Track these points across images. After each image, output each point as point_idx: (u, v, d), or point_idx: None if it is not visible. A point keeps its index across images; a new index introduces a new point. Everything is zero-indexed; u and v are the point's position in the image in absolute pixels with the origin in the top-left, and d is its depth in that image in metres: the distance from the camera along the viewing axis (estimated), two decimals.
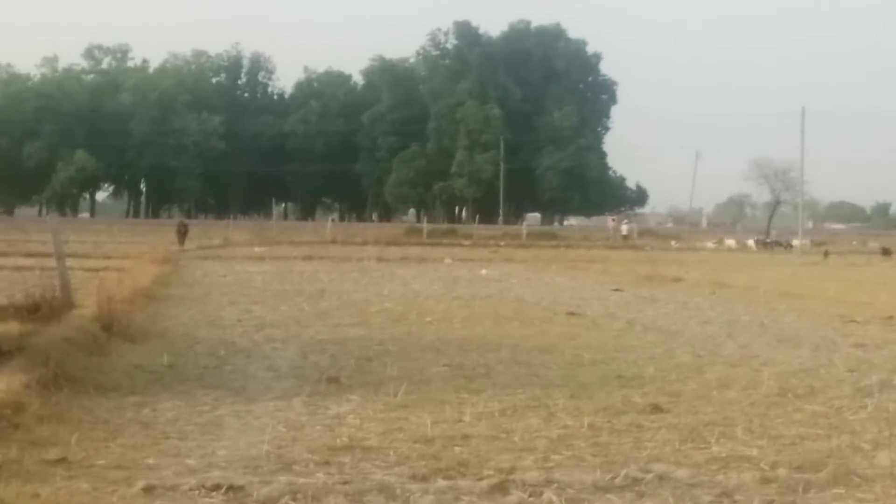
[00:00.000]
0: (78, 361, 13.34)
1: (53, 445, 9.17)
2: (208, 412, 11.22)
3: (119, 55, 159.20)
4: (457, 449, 9.53)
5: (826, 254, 67.30)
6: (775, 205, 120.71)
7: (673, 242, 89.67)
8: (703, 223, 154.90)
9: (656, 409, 11.54)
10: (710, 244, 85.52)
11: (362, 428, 10.46)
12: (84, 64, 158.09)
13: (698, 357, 16.22)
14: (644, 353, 16.62)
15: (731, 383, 13.44)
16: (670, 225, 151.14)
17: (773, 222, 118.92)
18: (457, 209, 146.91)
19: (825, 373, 14.65)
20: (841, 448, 9.77)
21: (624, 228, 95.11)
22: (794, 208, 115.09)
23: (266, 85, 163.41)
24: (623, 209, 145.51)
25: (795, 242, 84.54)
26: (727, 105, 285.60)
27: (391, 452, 9.36)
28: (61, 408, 10.75)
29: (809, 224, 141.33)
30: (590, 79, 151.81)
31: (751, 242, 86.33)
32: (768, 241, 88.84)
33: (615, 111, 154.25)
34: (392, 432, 10.24)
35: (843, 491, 8.28)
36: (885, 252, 65.31)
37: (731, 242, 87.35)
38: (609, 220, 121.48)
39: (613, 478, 8.45)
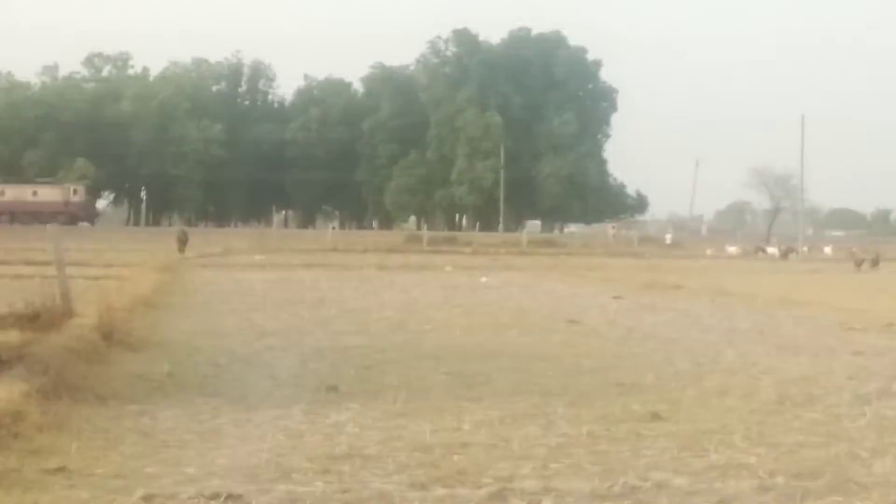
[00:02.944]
0: (78, 370, 13.35)
1: (53, 454, 9.19)
2: (208, 421, 11.23)
3: (119, 63, 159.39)
4: (456, 457, 9.55)
5: (786, 255, 67.81)
6: (775, 212, 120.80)
7: (668, 236, 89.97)
8: (703, 230, 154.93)
9: (655, 416, 11.55)
10: (708, 252, 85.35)
11: (361, 436, 10.47)
12: (84, 72, 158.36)
13: (698, 365, 16.23)
14: (644, 360, 16.62)
15: (730, 391, 13.45)
16: (670, 232, 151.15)
17: (773, 229, 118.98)
18: (457, 217, 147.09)
19: (824, 380, 14.66)
20: (839, 456, 9.78)
21: (668, 238, 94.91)
22: (794, 215, 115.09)
23: (266, 93, 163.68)
24: (623, 216, 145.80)
25: (770, 249, 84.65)
26: (727, 113, 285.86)
27: (390, 461, 9.38)
28: (61, 417, 10.77)
29: (810, 231, 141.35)
30: (590, 86, 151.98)
31: (772, 250, 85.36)
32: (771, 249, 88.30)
33: (615, 118, 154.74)
34: (391, 440, 10.25)
35: (841, 499, 8.30)
36: (858, 263, 61.22)
37: (732, 250, 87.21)
38: (609, 228, 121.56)
39: (612, 486, 8.47)
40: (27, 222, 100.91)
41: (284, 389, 13.42)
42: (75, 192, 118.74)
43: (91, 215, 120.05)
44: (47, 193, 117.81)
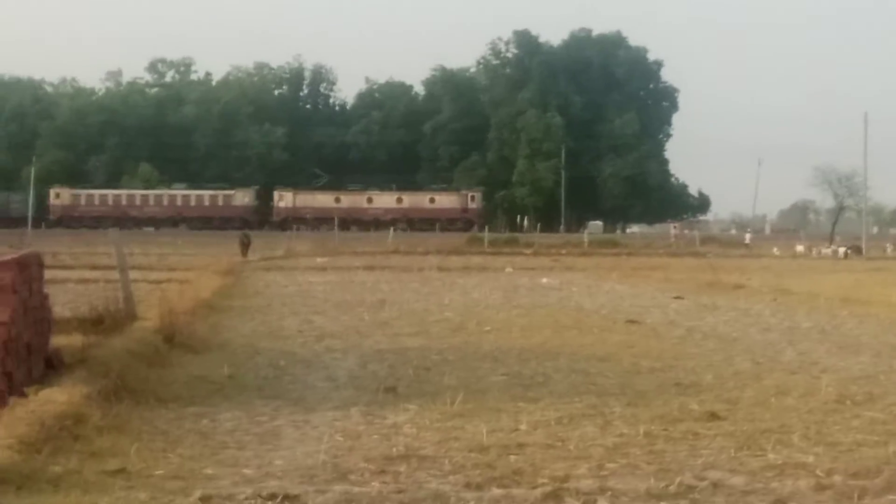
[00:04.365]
0: (139, 373, 13.49)
1: (113, 456, 9.28)
2: (267, 422, 11.31)
3: (182, 68, 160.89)
4: (512, 457, 9.55)
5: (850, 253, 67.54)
6: (839, 211, 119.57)
7: (747, 236, 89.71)
8: (767, 230, 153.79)
9: (713, 416, 11.50)
10: (775, 251, 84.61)
11: (418, 437, 10.51)
12: (148, 77, 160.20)
13: (757, 364, 16.14)
14: (703, 360, 16.56)
15: (790, 390, 13.36)
16: (733, 232, 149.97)
17: (838, 228, 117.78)
18: (518, 218, 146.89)
19: (885, 379, 14.53)
20: None
21: (747, 237, 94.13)
22: (858, 214, 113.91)
23: (328, 96, 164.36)
24: (685, 216, 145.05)
25: (833, 248, 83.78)
26: (790, 111, 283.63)
27: (446, 461, 9.40)
28: (121, 419, 10.88)
29: (875, 230, 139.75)
30: (651, 86, 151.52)
31: (841, 250, 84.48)
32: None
33: (676, 118, 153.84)
34: (448, 441, 10.27)
35: None
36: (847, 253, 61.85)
37: (800, 248, 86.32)
38: (671, 228, 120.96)
39: (667, 486, 8.45)
40: (424, 229, 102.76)
41: (343, 391, 13.49)
42: (472, 198, 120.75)
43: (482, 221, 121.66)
44: (445, 200, 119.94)
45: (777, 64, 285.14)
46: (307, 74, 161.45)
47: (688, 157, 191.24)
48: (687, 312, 26.44)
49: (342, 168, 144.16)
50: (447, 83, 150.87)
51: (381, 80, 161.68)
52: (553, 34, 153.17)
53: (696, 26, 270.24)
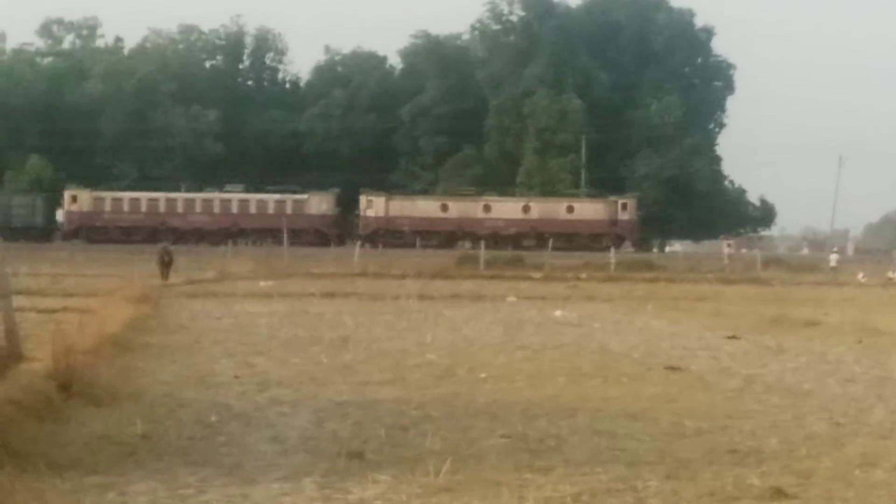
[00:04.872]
0: (26, 430, 13.45)
1: None
2: (192, 497, 11.31)
3: (85, 32, 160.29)
4: None
5: None
6: None
7: (832, 257, 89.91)
8: (850, 249, 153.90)
9: (779, 493, 11.52)
10: (861, 277, 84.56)
11: None
12: (39, 43, 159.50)
13: (837, 426, 16.17)
14: (765, 420, 16.59)
15: (879, 460, 13.38)
16: (806, 251, 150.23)
17: None
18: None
19: None
20: None
21: (833, 259, 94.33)
22: None
23: (275, 70, 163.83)
24: (743, 230, 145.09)
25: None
26: (878, 99, 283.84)
27: None
28: (2, 491, 10.84)
29: None
30: (698, 61, 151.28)
31: None
32: None
33: (731, 103, 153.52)
34: None
35: None
36: None
37: (892, 275, 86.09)
38: (724, 245, 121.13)
39: None
40: (560, 247, 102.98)
41: (293, 456, 13.49)
42: (624, 206, 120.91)
43: (635, 238, 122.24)
44: (587, 209, 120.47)
45: (865, 37, 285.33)
46: (248, 41, 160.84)
47: (747, 153, 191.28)
48: (744, 357, 26.48)
49: (294, 164, 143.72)
50: (432, 54, 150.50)
51: (346, 49, 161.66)
52: None
53: None
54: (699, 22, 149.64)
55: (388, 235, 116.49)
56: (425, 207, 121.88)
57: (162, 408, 16.80)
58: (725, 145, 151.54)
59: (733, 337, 31.74)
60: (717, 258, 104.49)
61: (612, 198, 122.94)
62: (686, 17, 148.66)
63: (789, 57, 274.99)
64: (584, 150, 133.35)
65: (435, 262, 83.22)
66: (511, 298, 50.63)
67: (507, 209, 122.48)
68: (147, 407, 16.72)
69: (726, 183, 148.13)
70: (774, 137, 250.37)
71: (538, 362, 24.36)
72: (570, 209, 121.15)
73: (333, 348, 26.78)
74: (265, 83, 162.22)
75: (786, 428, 15.86)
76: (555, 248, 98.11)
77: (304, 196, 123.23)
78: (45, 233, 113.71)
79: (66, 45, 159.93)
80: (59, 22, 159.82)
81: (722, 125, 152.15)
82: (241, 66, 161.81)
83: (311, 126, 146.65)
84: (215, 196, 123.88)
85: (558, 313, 41.44)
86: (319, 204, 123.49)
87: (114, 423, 15.16)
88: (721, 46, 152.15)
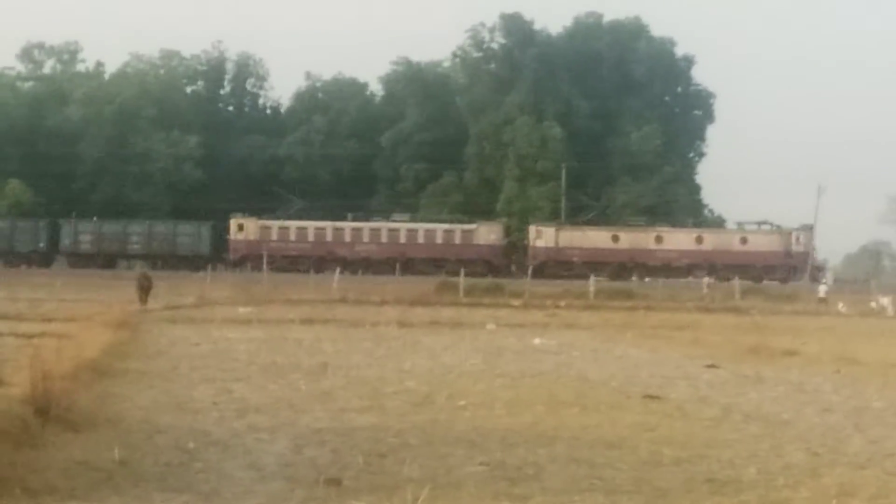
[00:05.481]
0: (2, 456, 13.42)
1: None
2: None
3: (66, 56, 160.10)
4: None
5: None
6: None
7: (821, 287, 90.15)
8: (829, 279, 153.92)
9: None
10: (840, 307, 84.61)
11: None
12: (20, 67, 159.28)
13: (815, 455, 16.21)
14: (744, 449, 16.62)
15: (857, 491, 13.41)
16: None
17: None
18: None
19: None
20: None
21: (821, 290, 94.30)
22: None
23: (256, 96, 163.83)
24: None
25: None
26: (860, 127, 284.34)
27: None
28: None
29: None
30: (679, 89, 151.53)
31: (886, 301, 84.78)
32: None
33: (711, 132, 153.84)
34: None
35: None
36: None
37: (885, 301, 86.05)
38: (704, 275, 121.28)
39: None
40: (728, 278, 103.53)
41: (271, 483, 13.47)
42: (798, 239, 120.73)
43: (805, 269, 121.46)
44: (762, 241, 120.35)
45: (840, 67, 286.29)
46: (229, 67, 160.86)
47: (725, 182, 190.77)
48: (723, 386, 26.53)
49: (274, 190, 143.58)
50: (413, 81, 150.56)
51: (327, 75, 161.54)
52: (552, 20, 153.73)
53: (739, 13, 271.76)
54: (679, 51, 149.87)
55: (558, 266, 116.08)
56: (596, 238, 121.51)
57: (139, 434, 16.77)
58: (705, 174, 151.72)
59: (712, 366, 31.81)
60: (697, 287, 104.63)
61: (787, 228, 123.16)
62: (667, 45, 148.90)
63: (769, 86, 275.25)
64: (563, 179, 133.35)
65: (414, 289, 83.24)
66: (490, 326, 50.66)
67: (679, 240, 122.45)
68: (124, 433, 16.69)
69: (706, 212, 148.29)
70: (753, 165, 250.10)
71: (517, 390, 24.38)
72: (744, 240, 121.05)
73: (312, 375, 26.78)
74: (246, 109, 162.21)
75: (764, 457, 15.88)
76: (729, 279, 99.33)
77: (473, 226, 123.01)
78: (208, 261, 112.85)
79: (46, 69, 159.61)
80: (40, 46, 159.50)
81: (702, 154, 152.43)
82: (221, 92, 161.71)
83: (292, 152, 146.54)
84: (383, 225, 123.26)
85: (537, 341, 41.47)
86: (488, 234, 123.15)
87: (91, 448, 15.13)
88: (701, 75, 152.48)
